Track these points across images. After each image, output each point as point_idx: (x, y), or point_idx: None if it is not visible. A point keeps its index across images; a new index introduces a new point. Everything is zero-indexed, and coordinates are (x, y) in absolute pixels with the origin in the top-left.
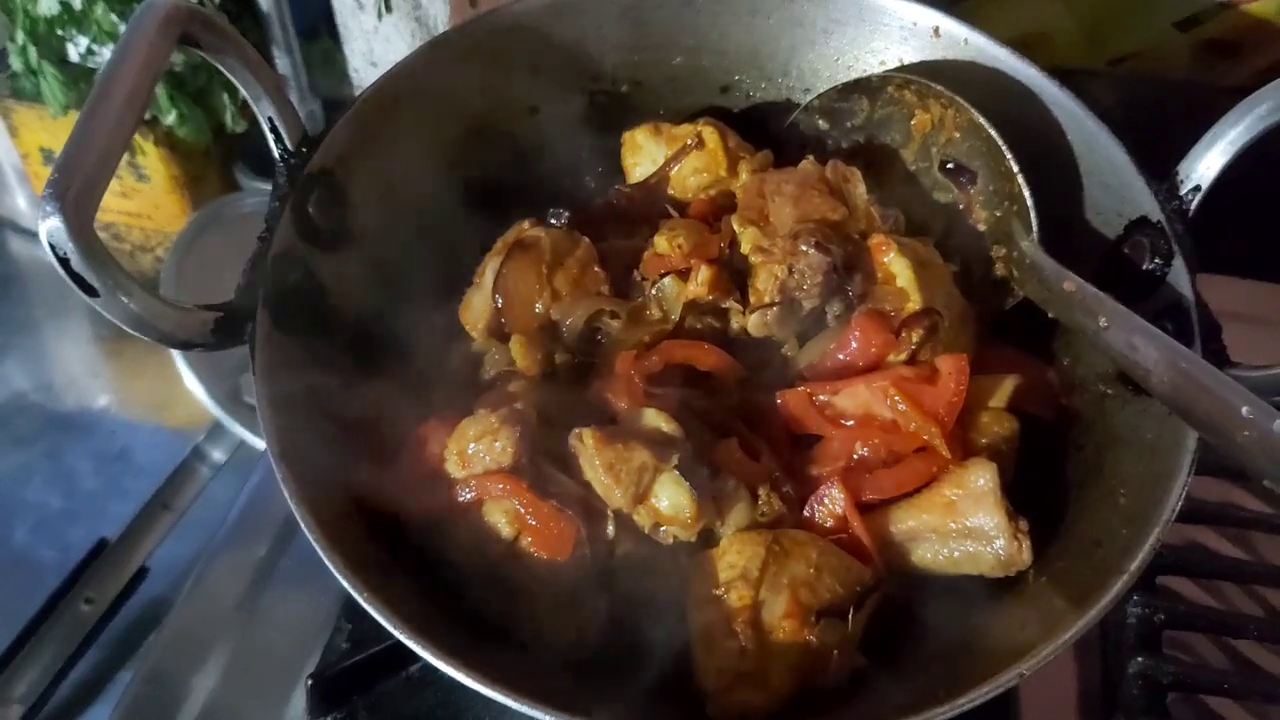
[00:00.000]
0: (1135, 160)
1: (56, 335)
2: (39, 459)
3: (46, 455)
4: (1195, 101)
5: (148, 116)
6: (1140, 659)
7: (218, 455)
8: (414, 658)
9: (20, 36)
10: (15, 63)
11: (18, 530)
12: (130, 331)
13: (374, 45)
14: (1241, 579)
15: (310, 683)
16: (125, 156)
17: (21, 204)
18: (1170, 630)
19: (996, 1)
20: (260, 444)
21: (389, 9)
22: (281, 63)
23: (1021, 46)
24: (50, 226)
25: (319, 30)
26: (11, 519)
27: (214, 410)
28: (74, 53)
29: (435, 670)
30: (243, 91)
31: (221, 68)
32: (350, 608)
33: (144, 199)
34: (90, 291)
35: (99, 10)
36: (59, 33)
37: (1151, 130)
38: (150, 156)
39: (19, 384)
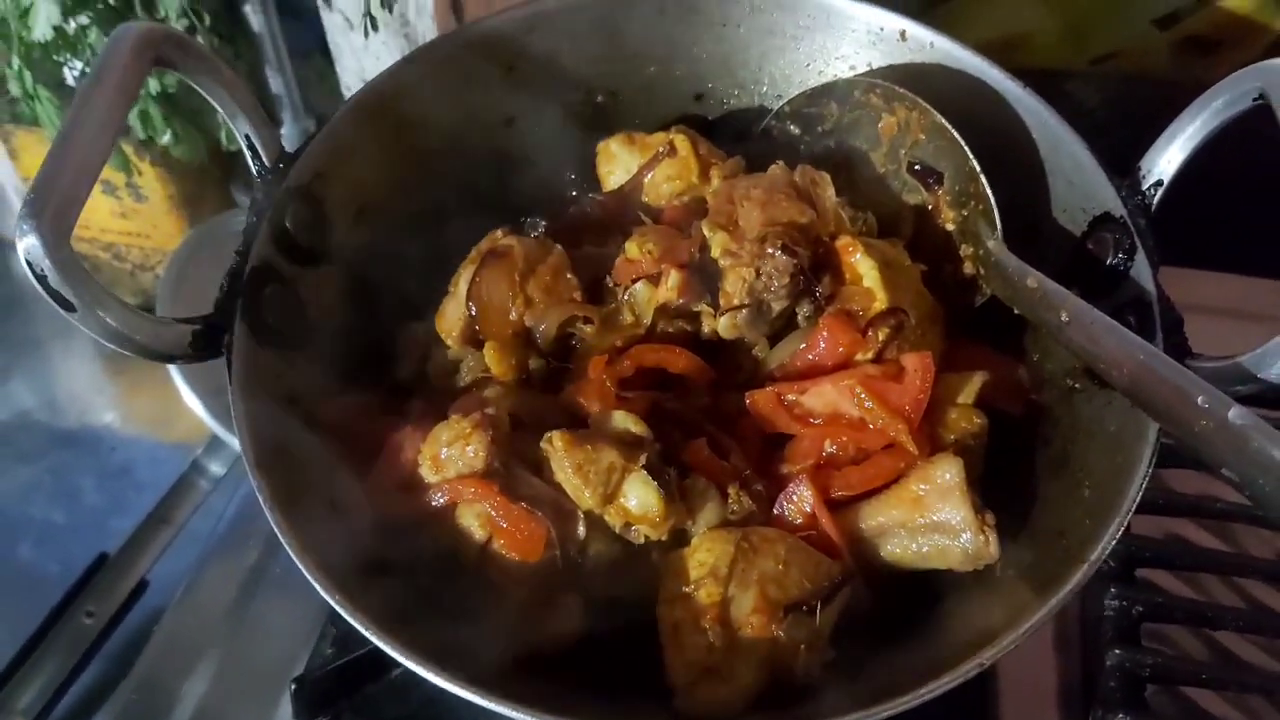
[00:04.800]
0: (1098, 157)
1: (60, 354)
2: (43, 475)
3: (50, 472)
4: (1177, 99)
5: (143, 137)
6: (1119, 651)
7: (216, 469)
8: (397, 662)
9: (16, 62)
10: (13, 87)
11: (21, 546)
12: (108, 345)
13: (365, 63)
14: (1221, 570)
15: (294, 687)
16: (123, 177)
17: None
18: (1149, 623)
19: (977, 2)
20: None
21: (375, 28)
22: (275, 82)
23: (1003, 47)
24: (27, 244)
25: (311, 49)
26: (16, 535)
27: (212, 425)
28: (70, 77)
29: (418, 674)
30: (219, 110)
31: (198, 88)
32: (336, 613)
33: (143, 219)
34: (68, 307)
35: (92, 35)
36: (55, 58)
37: (1134, 128)
38: (147, 176)
39: (24, 402)
